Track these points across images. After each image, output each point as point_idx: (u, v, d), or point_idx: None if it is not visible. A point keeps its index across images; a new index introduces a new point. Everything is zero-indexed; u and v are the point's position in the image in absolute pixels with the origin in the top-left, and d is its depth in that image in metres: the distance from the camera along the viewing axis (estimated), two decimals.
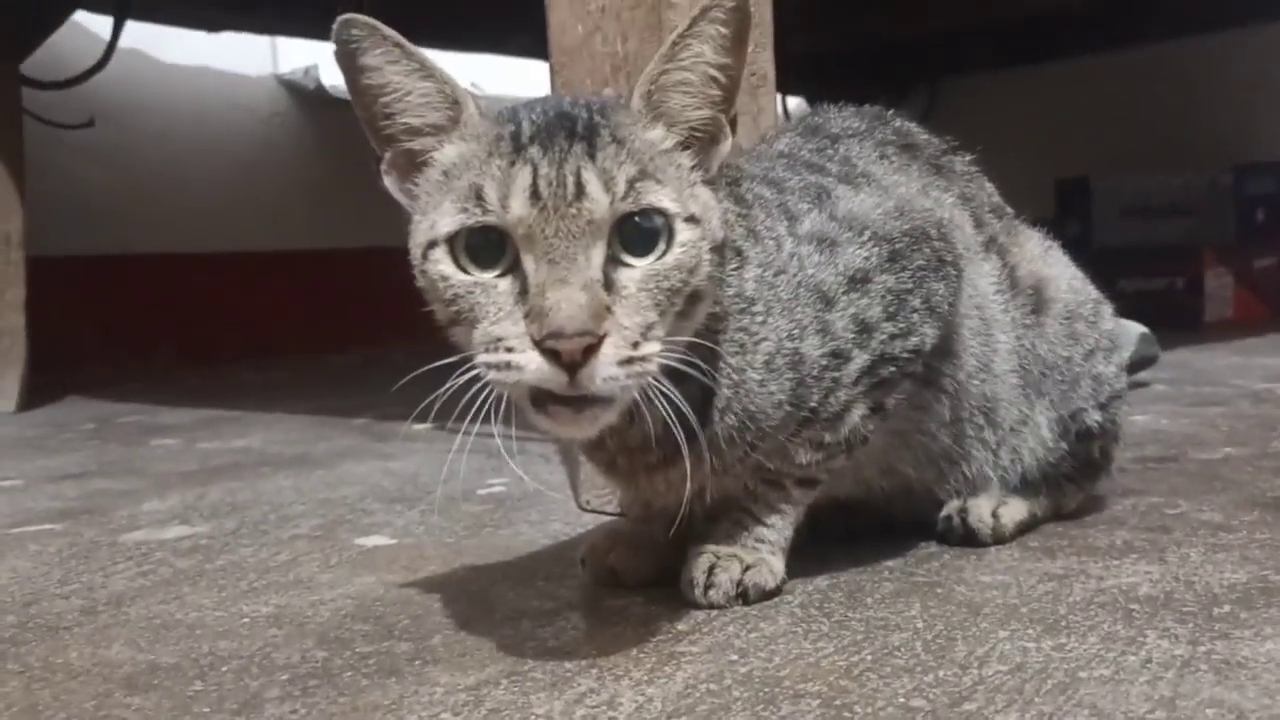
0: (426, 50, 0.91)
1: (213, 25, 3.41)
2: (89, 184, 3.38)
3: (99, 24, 3.06)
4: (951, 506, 1.19)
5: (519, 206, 0.82)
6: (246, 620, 1.02)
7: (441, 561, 1.19)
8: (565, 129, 0.85)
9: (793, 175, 1.07)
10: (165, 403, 2.74)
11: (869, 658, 0.87)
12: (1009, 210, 1.26)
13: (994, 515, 1.18)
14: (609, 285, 0.82)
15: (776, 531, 1.04)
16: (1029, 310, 1.19)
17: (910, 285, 1.02)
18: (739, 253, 0.97)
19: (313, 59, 3.74)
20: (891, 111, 1.24)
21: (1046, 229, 1.31)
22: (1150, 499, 1.33)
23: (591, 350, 0.79)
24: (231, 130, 3.76)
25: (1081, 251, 1.34)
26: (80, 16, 3.01)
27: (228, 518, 1.43)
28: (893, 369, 1.02)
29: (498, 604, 1.04)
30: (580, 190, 0.82)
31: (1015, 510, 1.20)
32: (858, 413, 1.02)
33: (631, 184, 0.83)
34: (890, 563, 1.13)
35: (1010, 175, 1.33)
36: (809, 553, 1.10)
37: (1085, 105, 4.26)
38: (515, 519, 1.36)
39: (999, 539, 1.17)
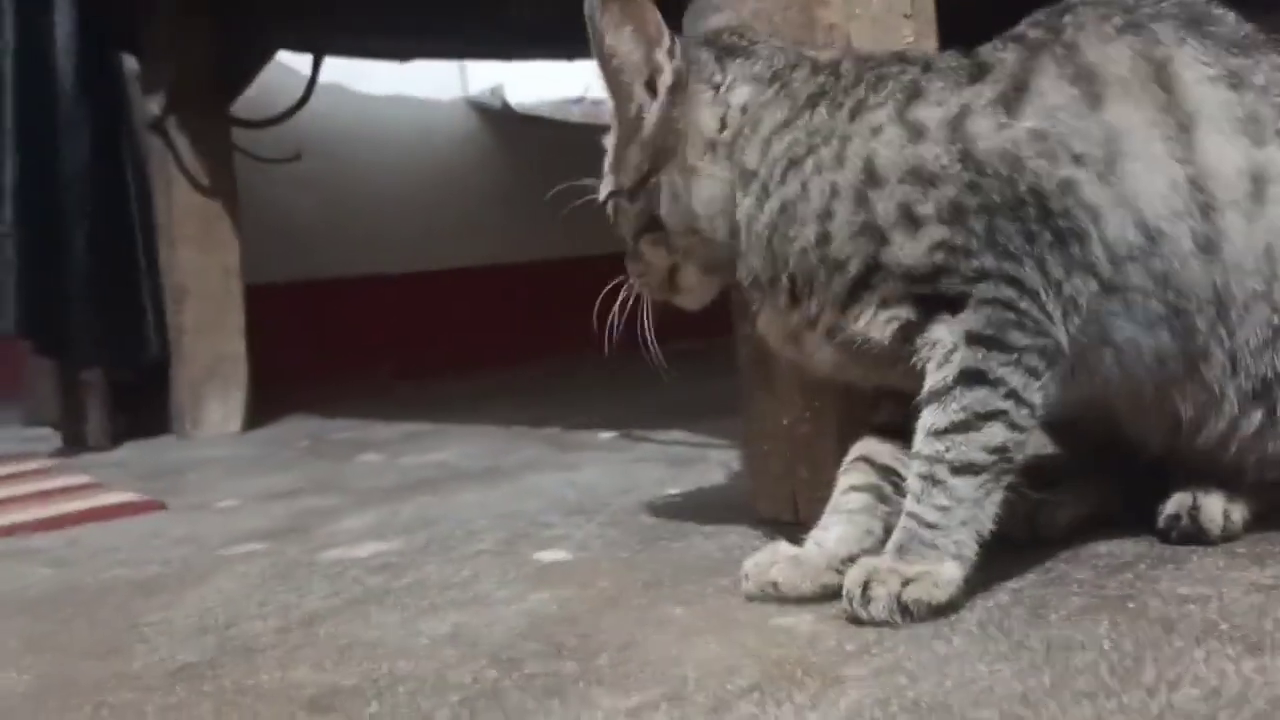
0: None
1: (404, 55, 3.55)
2: (298, 214, 3.58)
3: (300, 62, 3.23)
4: (1180, 502, 1.11)
5: None
6: (425, 640, 1.06)
7: (614, 577, 1.20)
8: None
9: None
10: (375, 418, 2.87)
11: (1048, 681, 0.82)
12: None
13: (1224, 514, 1.10)
14: None
15: (945, 535, 0.99)
16: None
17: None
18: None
19: (498, 79, 3.85)
20: None
21: None
22: None
23: None
24: (426, 153, 3.90)
25: None
26: (282, 56, 3.19)
27: (418, 533, 1.48)
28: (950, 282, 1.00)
29: (666, 622, 1.04)
30: None
31: (1245, 509, 1.12)
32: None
33: None
34: (1080, 575, 1.06)
35: None
36: (994, 560, 1.05)
37: None
38: (690, 531, 1.35)
39: (1229, 539, 1.10)
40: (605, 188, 1.19)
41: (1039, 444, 1.29)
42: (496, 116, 3.92)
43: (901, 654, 0.90)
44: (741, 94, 1.12)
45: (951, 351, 1.00)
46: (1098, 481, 1.22)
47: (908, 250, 1.00)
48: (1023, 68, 1.05)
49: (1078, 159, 1.01)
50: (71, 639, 1.16)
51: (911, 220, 1.00)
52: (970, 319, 0.99)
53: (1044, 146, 1.01)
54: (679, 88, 1.12)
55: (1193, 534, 1.09)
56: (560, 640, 1.01)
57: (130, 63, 2.95)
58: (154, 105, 2.80)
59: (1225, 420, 1.06)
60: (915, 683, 0.84)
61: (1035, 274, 1.00)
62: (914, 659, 0.89)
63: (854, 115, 1.05)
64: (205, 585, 1.31)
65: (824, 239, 1.04)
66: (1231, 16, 1.08)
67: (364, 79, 3.71)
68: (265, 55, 2.99)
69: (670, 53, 1.13)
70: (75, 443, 2.68)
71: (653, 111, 1.13)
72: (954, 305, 1.00)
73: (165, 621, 1.18)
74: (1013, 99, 1.03)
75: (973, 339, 0.99)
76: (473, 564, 1.31)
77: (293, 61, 3.30)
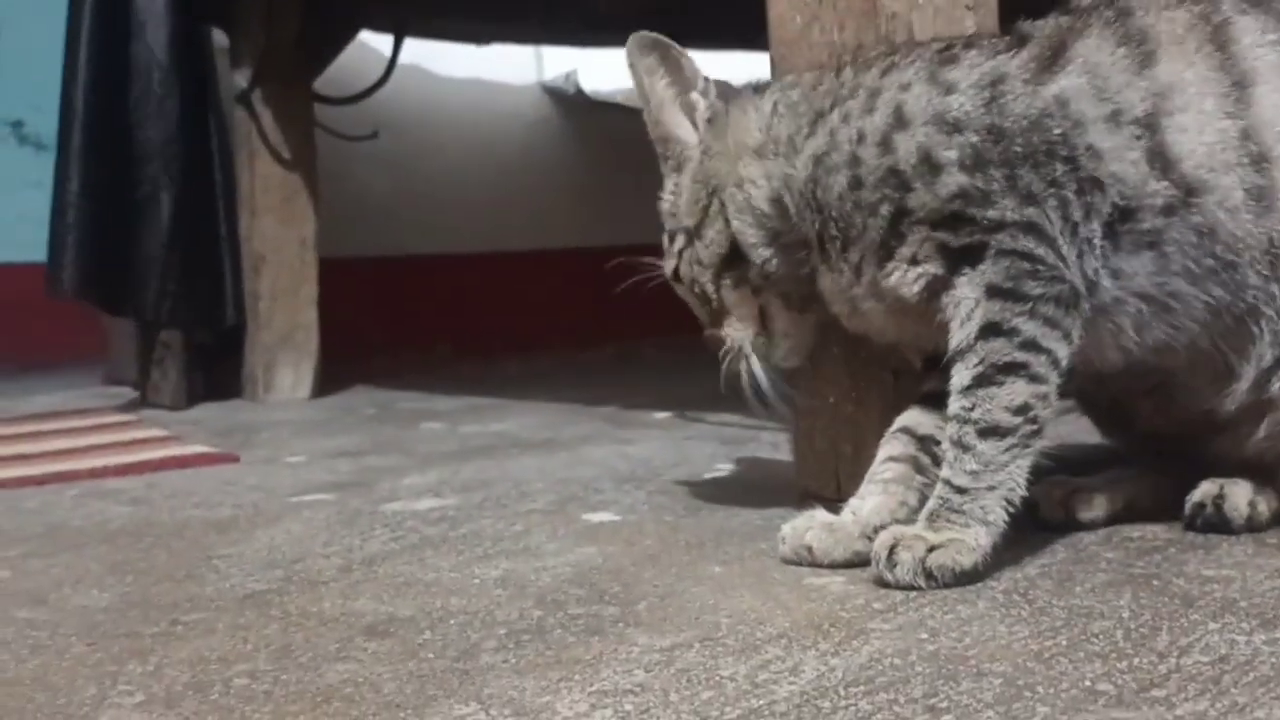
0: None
1: (482, 39, 3.63)
2: (373, 191, 3.68)
3: (381, 42, 3.32)
4: (1205, 491, 1.14)
5: None
6: (477, 581, 1.12)
7: (659, 537, 1.25)
8: None
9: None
10: (438, 390, 2.95)
11: (1063, 643, 0.86)
12: None
13: (1250, 505, 1.13)
14: None
15: (974, 500, 1.02)
16: None
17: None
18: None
19: (573, 65, 3.91)
20: None
21: None
22: None
23: None
24: (500, 137, 3.98)
25: None
26: (364, 36, 3.28)
27: (475, 492, 1.55)
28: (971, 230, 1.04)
29: (704, 577, 1.09)
30: None
31: (1273, 500, 1.14)
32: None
33: None
34: (1110, 554, 1.10)
35: None
36: (1028, 540, 1.09)
37: None
38: (734, 501, 1.40)
39: (1254, 529, 1.12)
40: (669, 261, 1.27)
41: (1083, 432, 1.33)
42: (570, 102, 3.99)
43: (926, 613, 0.95)
44: (774, 98, 1.19)
45: (974, 308, 1.03)
46: (1139, 475, 1.24)
47: (928, 197, 1.04)
48: (1064, 31, 1.08)
49: (1113, 116, 1.04)
50: (150, 565, 1.24)
51: (931, 166, 1.04)
52: (989, 271, 1.03)
53: (1074, 107, 1.04)
54: (717, 119, 1.20)
55: (1216, 523, 1.12)
56: (603, 588, 1.07)
57: (218, 37, 3.05)
58: (240, 79, 2.90)
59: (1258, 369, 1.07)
60: (935, 638, 0.89)
61: (1056, 216, 1.03)
62: (937, 618, 0.93)
63: (885, 72, 1.10)
64: (274, 527, 1.39)
65: (856, 184, 1.08)
66: None
67: (441, 61, 3.80)
68: (350, 34, 3.08)
69: (704, 92, 1.21)
70: (153, 401, 2.79)
71: (697, 145, 1.21)
72: (974, 258, 1.04)
73: (236, 555, 1.26)
74: (1049, 61, 1.06)
75: (992, 292, 1.03)
76: (525, 520, 1.37)
77: (373, 41, 3.39)
